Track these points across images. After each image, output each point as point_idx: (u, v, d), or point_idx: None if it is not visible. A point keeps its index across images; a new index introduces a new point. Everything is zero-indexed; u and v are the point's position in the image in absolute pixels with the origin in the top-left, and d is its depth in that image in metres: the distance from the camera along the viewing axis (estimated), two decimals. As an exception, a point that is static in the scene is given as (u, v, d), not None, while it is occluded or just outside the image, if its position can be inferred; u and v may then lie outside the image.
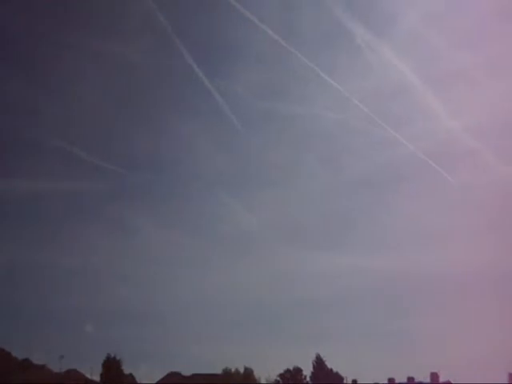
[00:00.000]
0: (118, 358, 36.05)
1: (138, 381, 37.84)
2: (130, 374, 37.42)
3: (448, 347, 34.53)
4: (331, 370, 35.26)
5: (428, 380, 32.25)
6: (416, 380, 32.60)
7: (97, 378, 36.26)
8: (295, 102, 53.62)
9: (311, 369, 35.81)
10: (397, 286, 43.02)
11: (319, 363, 35.66)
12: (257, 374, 37.03)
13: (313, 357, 35.87)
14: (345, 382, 35.19)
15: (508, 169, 42.85)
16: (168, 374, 38.84)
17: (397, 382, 33.67)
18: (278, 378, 36.77)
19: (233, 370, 37.96)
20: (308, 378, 35.81)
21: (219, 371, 37.78)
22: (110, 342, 38.44)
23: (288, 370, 36.63)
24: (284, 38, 48.20)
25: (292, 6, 52.92)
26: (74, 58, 49.23)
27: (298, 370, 36.41)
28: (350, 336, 39.90)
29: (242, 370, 37.61)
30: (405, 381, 33.20)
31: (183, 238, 50.64)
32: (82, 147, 48.41)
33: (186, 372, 38.33)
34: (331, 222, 51.85)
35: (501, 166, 43.09)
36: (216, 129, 55.03)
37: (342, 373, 35.21)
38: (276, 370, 36.88)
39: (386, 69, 49.89)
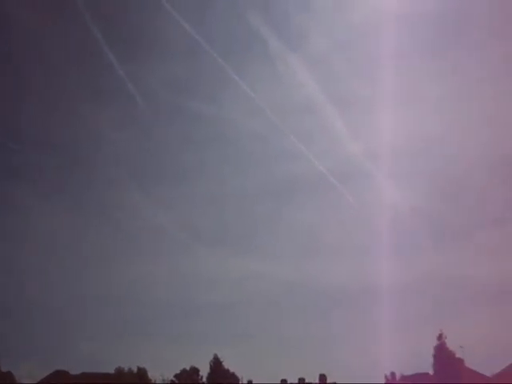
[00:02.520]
0: (-7, 354, 32.72)
1: (18, 380, 34.55)
2: (9, 372, 34.05)
3: (336, 352, 37.85)
4: (228, 370, 36.06)
5: (317, 381, 34.99)
6: (306, 381, 35.14)
7: (-34, 377, 32.34)
8: (206, 102, 53.81)
9: (208, 369, 36.22)
10: (294, 293, 45.69)
11: (216, 363, 36.14)
12: (151, 373, 36.37)
13: (211, 357, 36.37)
14: (240, 382, 36.29)
15: (399, 193, 48.19)
16: (53, 373, 36.08)
17: (289, 382, 35.89)
18: (174, 379, 36.50)
19: (126, 369, 36.73)
20: (204, 379, 36.13)
21: (111, 370, 36.28)
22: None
23: (184, 370, 36.60)
24: (200, 35, 48.00)
25: (210, 6, 53.18)
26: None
27: (194, 370, 36.49)
28: (247, 338, 41.34)
29: (135, 370, 36.58)
30: (296, 381, 35.57)
31: (82, 227, 47.54)
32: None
33: (75, 371, 36.00)
34: (236, 227, 53.02)
35: (393, 190, 48.33)
36: (126, 117, 52.77)
37: (239, 373, 36.31)
38: (172, 370, 36.66)
39: (295, 83, 52.55)
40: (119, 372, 36.01)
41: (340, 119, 51.88)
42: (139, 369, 36.32)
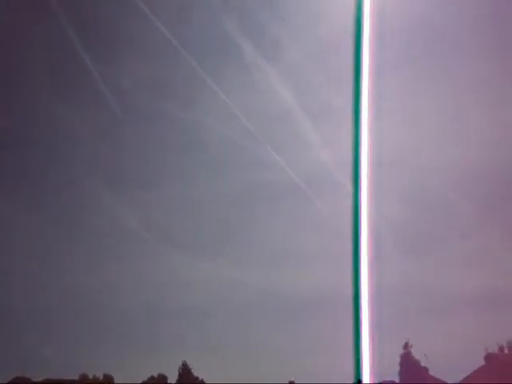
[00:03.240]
0: None
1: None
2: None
3: (306, 360, 38.09)
4: (197, 377, 35.68)
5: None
6: (275, 388, 35.28)
7: None
8: (181, 105, 53.23)
9: (177, 377, 35.72)
10: (266, 300, 45.62)
11: (185, 371, 35.76)
12: (117, 380, 35.53)
13: (180, 365, 35.89)
14: (209, 389, 35.94)
15: (371, 203, 48.86)
16: (13, 379, 34.62)
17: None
18: (141, 386, 35.79)
19: (90, 376, 35.78)
20: (173, 386, 35.63)
21: (75, 377, 35.22)
22: None
23: (152, 377, 35.93)
24: (177, 39, 47.55)
25: (187, 12, 52.84)
26: None
27: (162, 378, 35.93)
28: (218, 345, 40.89)
29: (101, 377, 35.70)
30: (265, 388, 35.65)
31: (47, 226, 45.81)
32: None
33: (37, 377, 34.66)
34: (210, 232, 52.51)
35: (365, 200, 49.00)
36: (97, 117, 51.47)
37: (208, 381, 35.92)
38: (140, 377, 35.91)
39: (269, 92, 52.50)
40: (84, 379, 35.06)
41: (313, 129, 52.50)
42: (105, 375, 35.51)
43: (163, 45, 48.29)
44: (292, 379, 36.05)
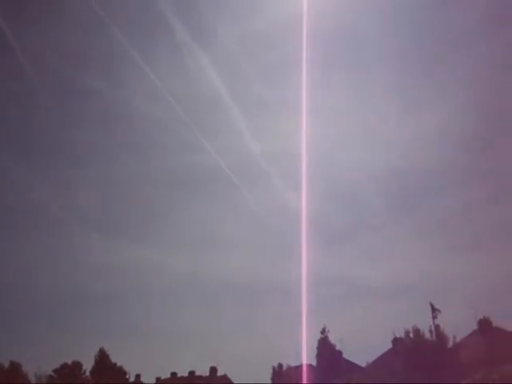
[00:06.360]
0: None
1: None
2: None
3: (226, 345, 38.44)
4: (115, 364, 34.41)
5: (207, 373, 35.19)
6: (197, 374, 35.12)
7: None
8: (106, 80, 50.56)
9: (93, 363, 34.16)
10: (186, 285, 45.26)
11: (102, 357, 34.33)
12: (26, 368, 33.18)
13: (96, 351, 34.36)
14: (127, 376, 34.83)
15: (291, 193, 50.48)
16: None
17: (179, 375, 35.48)
18: (52, 373, 33.70)
19: (-6, 363, 33.02)
20: (88, 373, 34.00)
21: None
22: None
23: (65, 365, 34.02)
24: (105, 12, 44.88)
25: None
26: None
27: (76, 364, 34.16)
28: (136, 331, 39.80)
29: (7, 365, 33.11)
30: (186, 375, 35.31)
31: None
32: None
33: None
34: (133, 214, 50.65)
35: (286, 190, 50.52)
36: (14, 88, 47.17)
37: (126, 367, 34.82)
38: (52, 365, 33.80)
39: (201, 78, 51.69)
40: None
41: (243, 119, 52.66)
42: (12, 363, 33.00)
43: (90, 17, 45.30)
44: (215, 365, 36.23)
